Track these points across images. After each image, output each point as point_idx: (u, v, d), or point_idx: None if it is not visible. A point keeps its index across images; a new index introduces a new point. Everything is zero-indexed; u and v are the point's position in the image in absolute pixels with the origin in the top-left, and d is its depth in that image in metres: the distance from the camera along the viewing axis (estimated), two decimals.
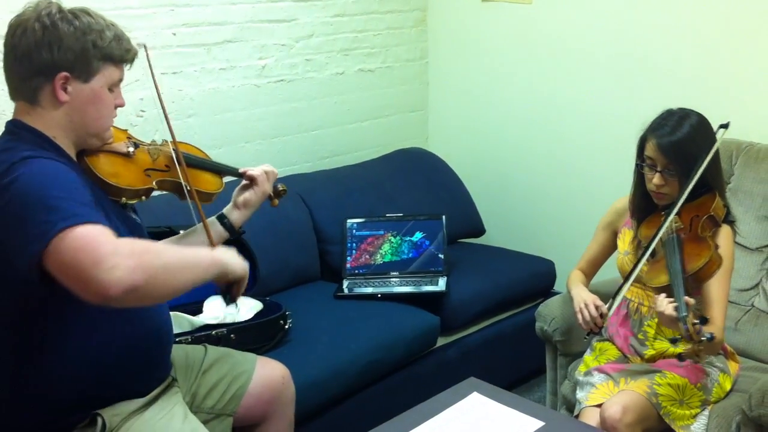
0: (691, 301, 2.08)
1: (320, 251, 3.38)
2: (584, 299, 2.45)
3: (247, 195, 2.16)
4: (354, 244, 3.35)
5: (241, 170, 2.18)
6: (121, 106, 1.88)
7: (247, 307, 2.72)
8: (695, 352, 2.00)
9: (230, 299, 1.94)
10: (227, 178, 2.20)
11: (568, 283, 2.66)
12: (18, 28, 1.73)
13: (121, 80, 1.85)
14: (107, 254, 1.50)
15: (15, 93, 1.79)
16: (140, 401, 1.87)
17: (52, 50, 1.71)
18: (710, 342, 2.02)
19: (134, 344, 1.84)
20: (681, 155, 2.28)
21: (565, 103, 3.70)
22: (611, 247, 2.64)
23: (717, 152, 2.36)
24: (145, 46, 1.91)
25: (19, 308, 1.70)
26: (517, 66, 3.86)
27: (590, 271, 2.70)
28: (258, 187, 2.16)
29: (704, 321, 2.03)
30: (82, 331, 1.75)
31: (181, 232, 2.21)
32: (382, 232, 3.38)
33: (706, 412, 2.32)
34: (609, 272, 2.71)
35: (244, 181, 2.18)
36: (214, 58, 3.30)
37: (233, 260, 1.83)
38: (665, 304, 2.10)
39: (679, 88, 3.23)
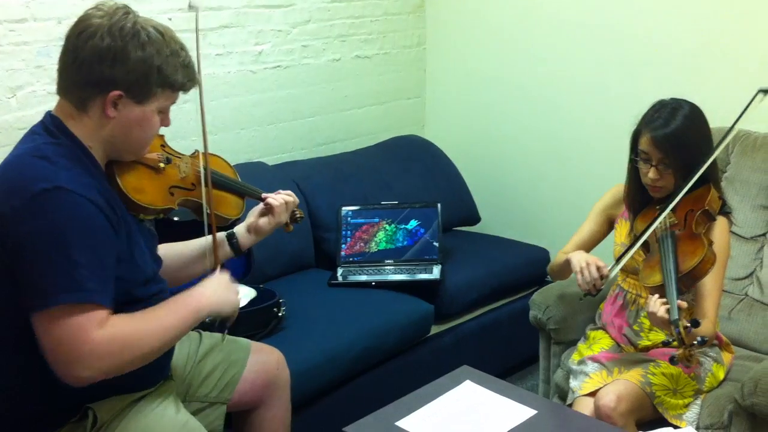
0: (684, 304, 2.08)
1: (315, 238, 3.38)
2: (586, 259, 2.36)
3: (261, 223, 2.13)
4: (349, 232, 3.35)
5: (263, 195, 2.15)
6: (167, 126, 1.83)
7: (241, 295, 2.71)
8: (686, 357, 2.00)
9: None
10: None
11: (553, 262, 2.63)
12: (85, 31, 1.67)
13: (173, 104, 1.80)
14: (82, 356, 1.58)
15: (64, 91, 1.73)
16: (133, 395, 1.86)
17: (114, 67, 1.66)
18: (701, 345, 2.02)
19: None
20: (676, 148, 2.27)
21: (563, 92, 3.69)
22: (603, 233, 2.62)
23: (711, 141, 2.35)
24: (197, 8, 1.87)
25: (18, 305, 1.69)
26: (515, 54, 3.85)
27: None
28: (273, 218, 2.13)
29: (696, 324, 2.02)
30: None
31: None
32: (377, 220, 3.37)
33: (698, 401, 2.32)
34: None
35: (262, 205, 2.15)
36: (210, 43, 3.29)
37: (218, 302, 1.85)
38: (658, 306, 2.09)
39: (675, 76, 3.22)
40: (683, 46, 3.23)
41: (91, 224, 1.63)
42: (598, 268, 2.32)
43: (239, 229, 2.15)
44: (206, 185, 1.95)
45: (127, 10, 1.72)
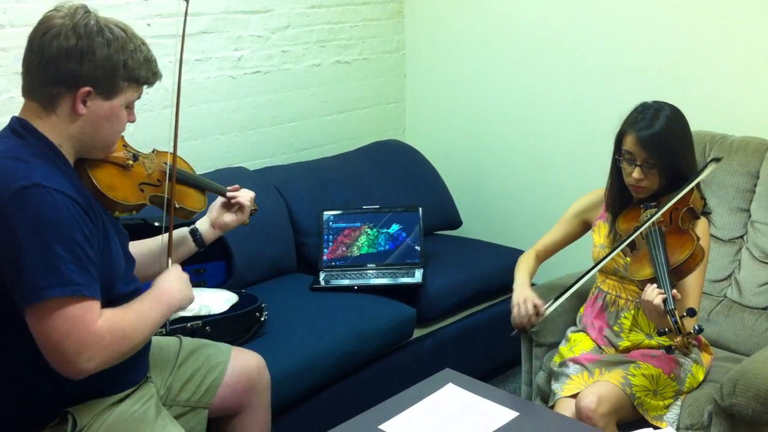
0: (678, 294, 2.10)
1: (297, 243, 3.37)
2: (525, 296, 2.43)
3: (228, 219, 2.17)
4: (331, 236, 3.35)
5: (228, 193, 2.18)
6: (133, 122, 1.86)
7: (223, 300, 2.70)
8: (685, 345, 2.02)
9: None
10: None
11: (517, 264, 2.64)
12: (49, 31, 1.68)
13: (138, 98, 1.84)
14: (90, 346, 1.61)
15: (29, 93, 1.74)
16: (112, 398, 1.86)
17: (81, 63, 1.68)
18: (699, 333, 2.04)
19: None
20: (660, 147, 2.29)
21: (543, 96, 3.71)
22: (575, 236, 2.65)
23: (692, 143, 2.39)
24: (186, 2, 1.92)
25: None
26: (495, 58, 3.86)
27: (545, 255, 2.68)
28: (242, 215, 2.18)
29: (693, 313, 2.05)
30: None
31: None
32: (358, 224, 3.37)
33: (678, 402, 2.34)
34: (575, 266, 2.72)
35: (224, 200, 2.18)
36: (189, 49, 3.28)
37: (182, 299, 1.89)
38: (654, 295, 2.10)
39: (654, 81, 3.25)
40: (661, 53, 3.25)
41: (72, 220, 1.64)
42: (535, 306, 2.40)
43: (202, 225, 2.18)
44: (170, 179, 2.00)
45: (86, 9, 1.74)
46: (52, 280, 1.58)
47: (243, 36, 3.46)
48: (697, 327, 2.03)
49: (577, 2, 3.50)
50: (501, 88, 3.87)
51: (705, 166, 2.33)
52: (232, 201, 2.17)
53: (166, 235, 2.00)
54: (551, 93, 3.67)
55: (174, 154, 2.02)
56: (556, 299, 2.36)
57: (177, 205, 2.02)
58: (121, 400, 1.87)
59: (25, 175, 1.62)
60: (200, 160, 3.36)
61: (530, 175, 3.85)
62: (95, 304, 1.65)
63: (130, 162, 1.93)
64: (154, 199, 1.98)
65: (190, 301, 1.92)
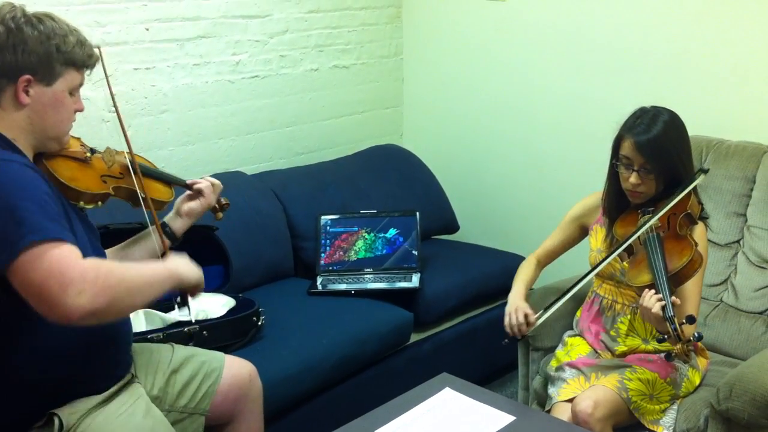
0: (678, 301, 2.10)
1: (294, 247, 3.37)
2: (517, 306, 2.45)
3: (193, 205, 2.20)
4: (328, 241, 3.35)
5: (189, 182, 2.22)
6: (80, 110, 1.89)
7: (220, 304, 2.71)
8: (684, 352, 2.02)
9: (182, 303, 2.00)
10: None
11: (517, 272, 2.66)
12: None
13: (81, 85, 1.87)
14: (74, 279, 1.55)
15: None
16: (98, 398, 1.86)
17: (16, 53, 1.72)
18: (699, 341, 2.04)
19: (89, 343, 1.83)
20: (657, 153, 2.30)
21: (540, 101, 3.72)
22: (574, 241, 2.66)
23: (690, 149, 2.39)
24: (99, 48, 1.92)
25: None
26: (492, 63, 3.87)
27: (546, 261, 2.70)
28: (204, 198, 2.20)
29: (692, 320, 2.05)
30: (34, 331, 1.75)
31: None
32: (356, 229, 3.38)
33: (675, 407, 2.34)
34: (573, 269, 2.72)
35: (188, 192, 2.22)
36: (187, 53, 3.29)
37: (187, 269, 1.88)
38: (653, 302, 2.09)
39: (651, 84, 3.26)
40: (656, 56, 3.27)
41: (34, 180, 1.68)
42: (526, 316, 2.40)
43: (170, 217, 2.20)
44: (134, 172, 2.04)
45: (12, 5, 1.78)
46: (23, 231, 1.57)
47: (241, 40, 3.47)
48: (696, 334, 2.03)
49: (574, 7, 3.51)
50: (498, 92, 3.88)
51: (694, 177, 2.34)
52: (194, 188, 2.21)
53: (142, 232, 2.05)
54: (548, 98, 3.68)
55: (130, 151, 2.06)
56: (547, 309, 2.37)
57: (147, 196, 2.06)
58: (107, 400, 1.88)
59: None
60: (198, 164, 3.37)
61: (527, 180, 3.86)
62: (74, 248, 1.61)
63: (88, 155, 1.98)
64: (120, 192, 2.02)
65: (198, 277, 1.91)
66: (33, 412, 1.79)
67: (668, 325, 2.04)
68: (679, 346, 2.02)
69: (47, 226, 1.60)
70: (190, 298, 1.98)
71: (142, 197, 2.04)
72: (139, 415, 1.90)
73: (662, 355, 2.14)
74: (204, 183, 2.21)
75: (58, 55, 1.77)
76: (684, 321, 2.03)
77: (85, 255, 1.67)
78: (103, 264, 1.66)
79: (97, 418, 1.83)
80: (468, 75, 3.99)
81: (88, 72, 1.88)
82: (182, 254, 1.93)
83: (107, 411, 1.85)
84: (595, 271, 2.36)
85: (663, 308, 2.06)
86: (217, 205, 2.27)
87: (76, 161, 1.94)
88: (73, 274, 1.55)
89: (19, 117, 1.77)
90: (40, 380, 1.77)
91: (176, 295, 1.99)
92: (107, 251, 2.07)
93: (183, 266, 1.87)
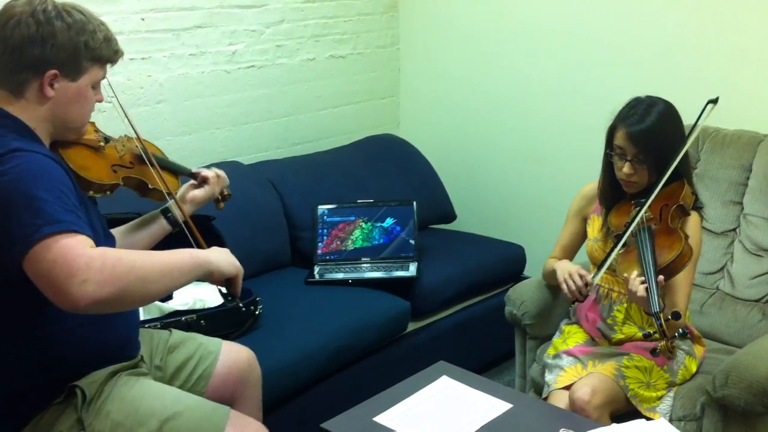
0: (662, 281, 2.12)
1: (291, 237, 3.38)
2: (568, 270, 2.43)
3: (197, 192, 2.21)
4: (325, 230, 3.35)
5: (194, 171, 2.24)
6: (101, 101, 1.90)
7: (217, 293, 2.71)
8: (669, 348, 2.03)
9: (228, 296, 2.02)
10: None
11: (544, 269, 2.67)
12: (11, 19, 1.73)
13: (103, 78, 1.87)
14: (80, 268, 1.56)
15: None
16: (112, 367, 1.89)
17: (44, 47, 1.73)
18: (683, 337, 2.05)
19: (102, 325, 1.85)
20: (650, 144, 2.30)
21: (537, 90, 3.72)
22: (583, 233, 2.65)
23: (685, 137, 2.39)
24: None
25: None
26: (489, 52, 3.87)
27: (564, 257, 2.68)
28: (209, 186, 2.22)
29: (677, 316, 2.06)
30: (48, 315, 1.76)
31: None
32: (353, 218, 3.38)
33: (671, 394, 2.35)
34: (579, 258, 2.73)
35: (192, 181, 2.24)
36: (183, 43, 3.28)
37: (221, 260, 1.86)
38: (637, 285, 2.12)
39: (648, 75, 3.26)
40: (652, 46, 3.27)
41: (55, 170, 1.69)
42: (581, 276, 2.39)
43: (172, 204, 2.20)
44: (151, 164, 2.07)
45: None
46: (39, 222, 1.58)
47: (237, 30, 3.46)
48: (681, 331, 2.05)
49: None
50: (495, 82, 3.88)
51: (702, 110, 2.32)
52: (200, 176, 2.23)
53: (145, 216, 2.09)
54: (545, 87, 3.68)
55: (139, 138, 2.08)
56: (600, 267, 2.35)
57: (151, 187, 2.08)
58: (117, 372, 1.90)
59: (2, 145, 1.66)
60: (195, 154, 3.36)
61: (524, 169, 3.86)
62: (86, 238, 1.62)
63: (102, 144, 1.99)
64: (129, 182, 2.03)
65: (235, 266, 1.90)
66: (52, 387, 1.81)
67: (654, 321, 2.05)
68: (663, 342, 2.03)
69: (63, 217, 1.61)
70: (236, 292, 1.96)
71: (148, 187, 2.07)
72: (156, 384, 1.95)
73: (649, 351, 2.15)
74: (210, 173, 2.23)
75: (86, 52, 1.78)
76: (669, 317, 2.05)
77: (98, 244, 1.67)
78: (110, 253, 1.65)
79: (118, 381, 1.87)
80: (464, 65, 3.99)
81: (110, 66, 1.89)
82: (222, 249, 1.92)
83: (124, 380, 1.89)
84: (603, 269, 2.34)
85: (647, 289, 2.08)
86: (220, 196, 2.28)
87: (89, 149, 1.95)
88: (78, 263, 1.56)
89: (41, 109, 1.78)
90: (52, 360, 1.79)
91: (223, 291, 2.00)
92: (113, 231, 2.09)
93: (216, 256, 1.86)
